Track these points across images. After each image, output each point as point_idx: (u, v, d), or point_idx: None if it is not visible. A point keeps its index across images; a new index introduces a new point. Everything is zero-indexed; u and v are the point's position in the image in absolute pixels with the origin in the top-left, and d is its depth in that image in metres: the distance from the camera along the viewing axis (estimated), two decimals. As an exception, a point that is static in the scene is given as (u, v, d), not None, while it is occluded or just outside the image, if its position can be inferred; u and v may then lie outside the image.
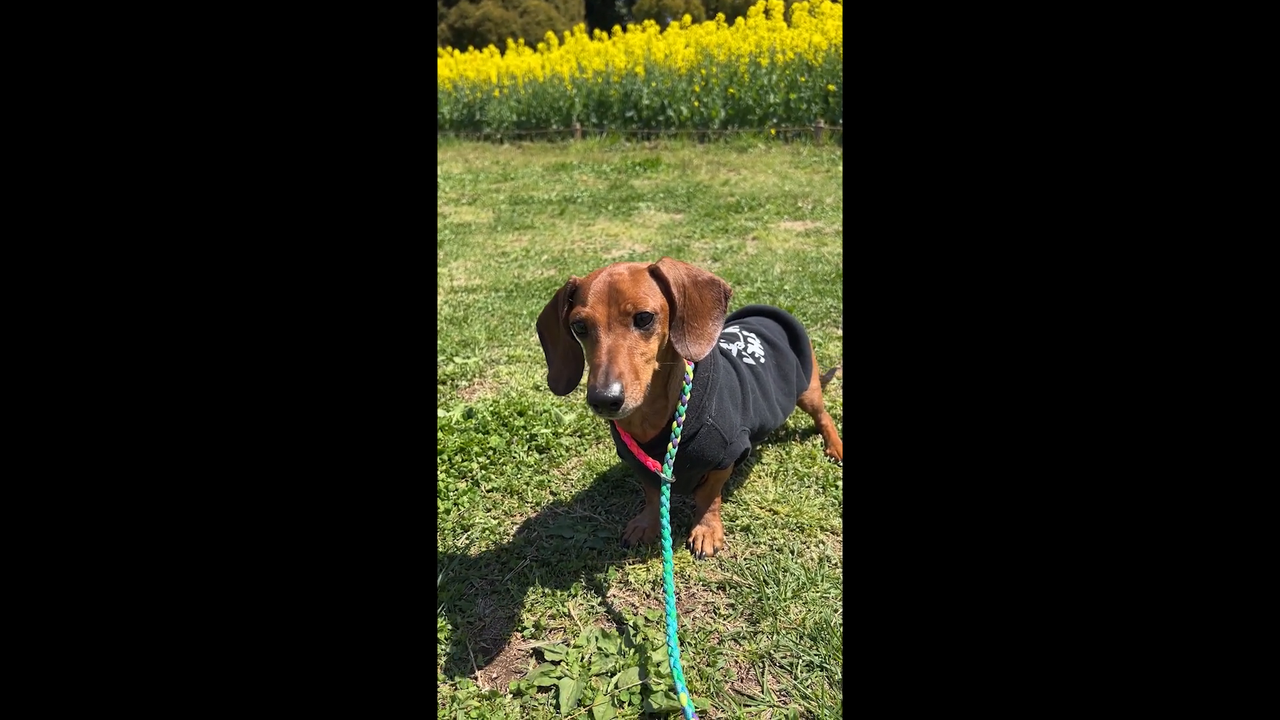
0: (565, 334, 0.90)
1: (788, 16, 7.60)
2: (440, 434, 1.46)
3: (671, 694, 0.83)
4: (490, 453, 1.41)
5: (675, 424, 0.94)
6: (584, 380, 0.88)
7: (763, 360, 1.18)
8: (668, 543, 0.89)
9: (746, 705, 0.82)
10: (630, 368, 0.79)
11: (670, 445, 0.94)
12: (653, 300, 0.83)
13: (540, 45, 9.74)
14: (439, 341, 2.06)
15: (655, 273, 0.86)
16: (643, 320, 0.82)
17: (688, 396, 0.95)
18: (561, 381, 0.92)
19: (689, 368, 0.96)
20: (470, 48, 11.48)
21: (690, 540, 1.10)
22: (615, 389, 0.76)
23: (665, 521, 0.91)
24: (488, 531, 1.18)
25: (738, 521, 1.16)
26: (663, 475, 0.94)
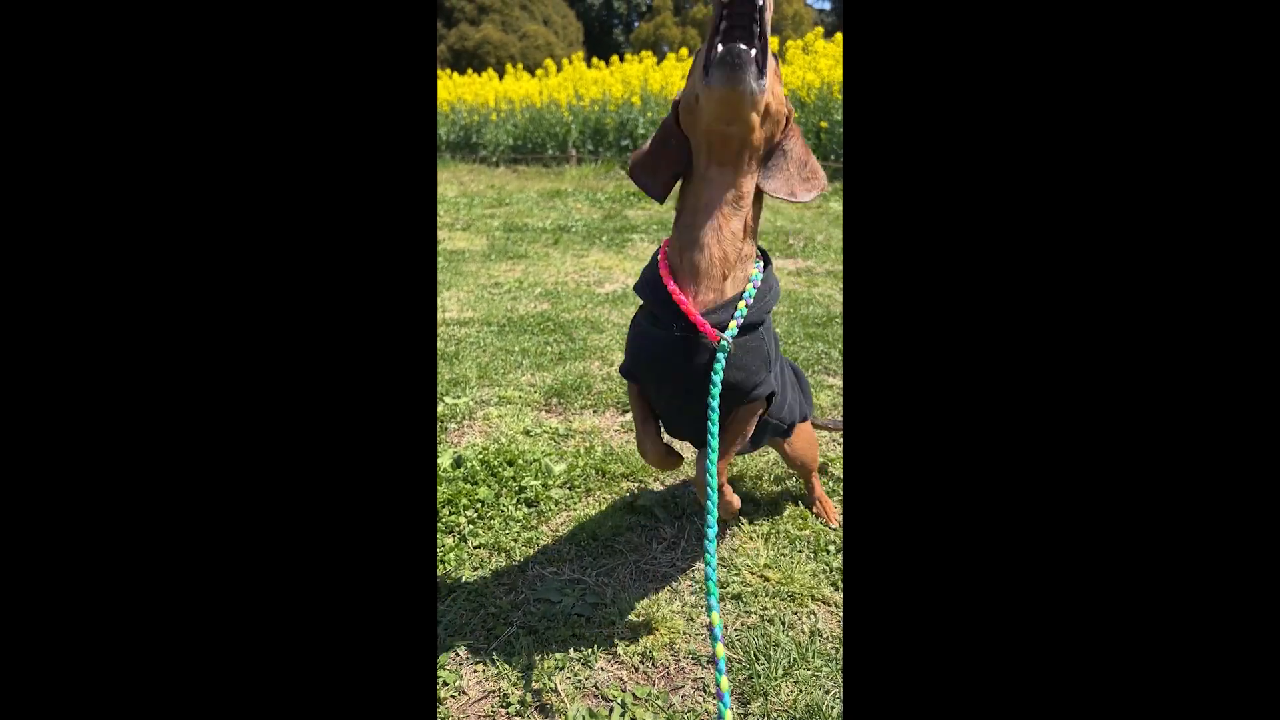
0: (667, 143, 0.82)
1: (782, 53, 7.78)
2: (428, 484, 1.44)
3: (659, 783, 0.81)
4: (479, 505, 1.38)
5: (750, 285, 0.81)
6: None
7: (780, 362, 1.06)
8: (713, 594, 0.70)
9: (736, 798, 0.80)
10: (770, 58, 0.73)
11: (741, 303, 0.80)
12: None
13: (539, 72, 9.88)
14: (429, 380, 2.05)
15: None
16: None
17: (761, 276, 0.83)
18: (659, 183, 0.83)
19: (757, 272, 0.83)
20: (469, 70, 11.62)
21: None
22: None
23: (713, 499, 0.75)
24: (474, 594, 1.15)
25: (728, 589, 1.15)
26: (723, 339, 0.79)
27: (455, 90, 10.17)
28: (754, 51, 0.71)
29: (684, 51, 8.75)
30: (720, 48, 0.71)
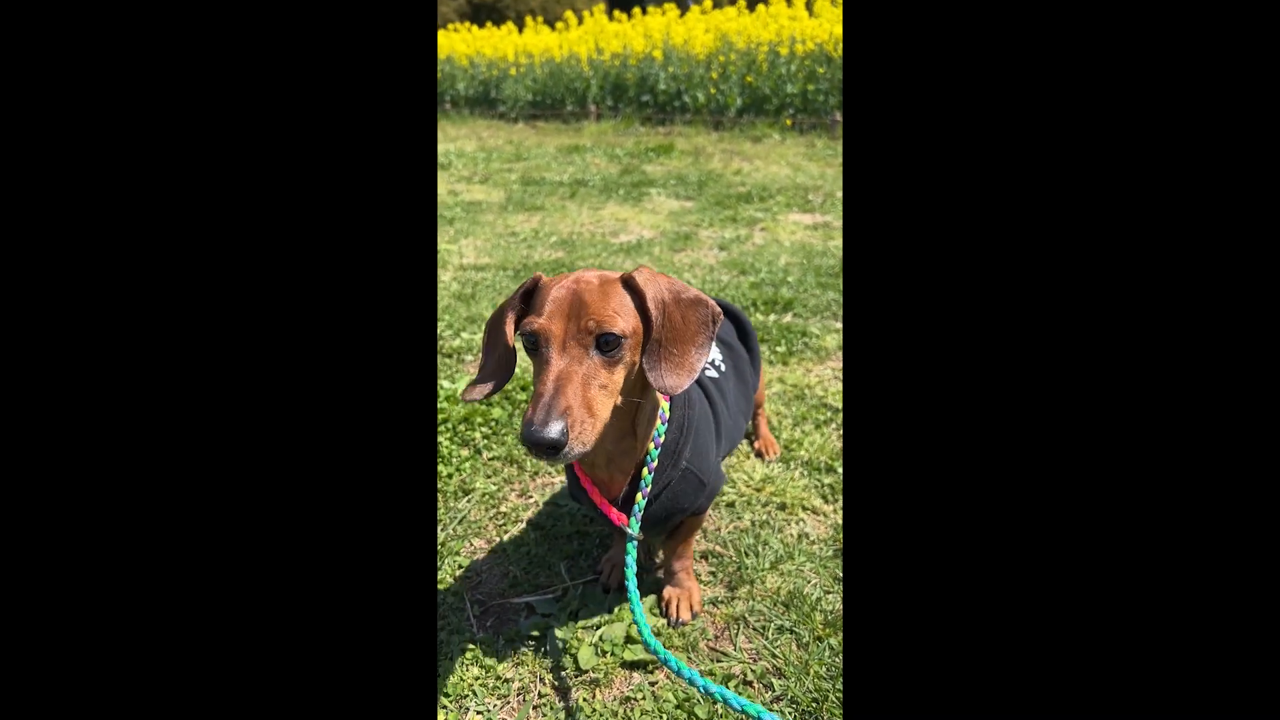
0: (505, 339, 0.75)
1: (809, 5, 7.53)
2: (445, 404, 1.53)
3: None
4: (492, 424, 1.47)
5: (646, 470, 0.81)
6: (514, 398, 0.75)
7: (722, 368, 1.04)
8: (638, 612, 0.77)
9: (719, 661, 0.89)
10: (582, 401, 0.64)
11: (639, 495, 0.81)
12: (623, 320, 0.68)
13: (559, 24, 9.68)
14: (447, 317, 2.12)
15: (629, 284, 0.72)
16: (607, 344, 0.67)
17: (662, 438, 0.82)
18: (481, 388, 0.75)
19: (664, 403, 0.83)
20: (489, 23, 11.42)
21: (664, 604, 0.97)
22: (556, 428, 0.61)
23: (634, 590, 0.79)
24: (487, 496, 1.25)
25: (723, 497, 1.23)
26: (629, 531, 0.81)
27: (474, 44, 10.03)
28: (559, 427, 0.62)
29: (708, 4, 8.49)
30: (522, 432, 0.63)
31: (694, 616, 0.95)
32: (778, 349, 1.86)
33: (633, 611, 0.77)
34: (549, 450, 0.61)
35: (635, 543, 0.82)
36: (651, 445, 0.81)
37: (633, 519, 0.81)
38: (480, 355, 0.80)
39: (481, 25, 11.38)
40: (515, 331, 0.72)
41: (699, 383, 0.96)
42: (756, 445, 1.38)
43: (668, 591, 0.97)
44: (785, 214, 3.70)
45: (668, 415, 0.82)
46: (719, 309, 0.74)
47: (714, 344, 1.05)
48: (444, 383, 1.65)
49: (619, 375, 0.69)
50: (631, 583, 0.80)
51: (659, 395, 0.81)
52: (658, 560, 1.07)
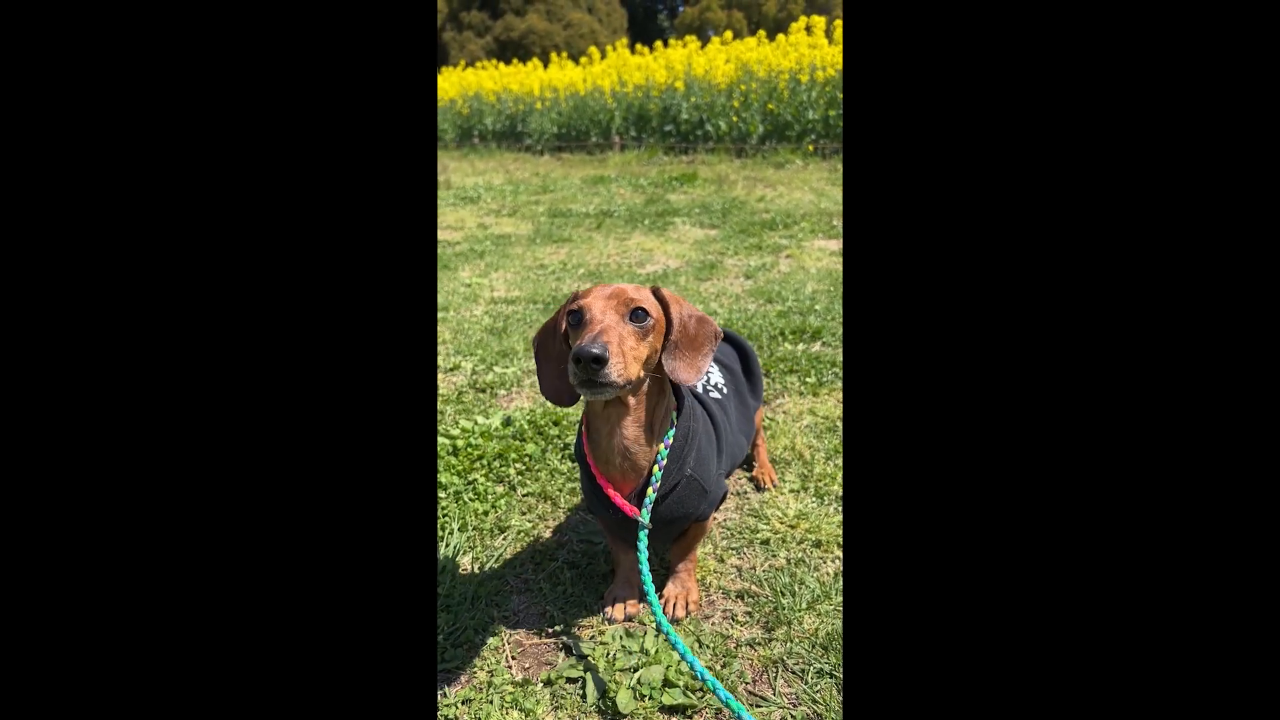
0: (562, 342, 0.89)
1: (829, 34, 7.63)
2: (480, 440, 1.56)
3: (689, 692, 0.89)
4: (526, 459, 1.50)
5: (657, 467, 0.91)
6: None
7: (725, 391, 1.15)
8: (653, 596, 0.86)
9: (758, 706, 0.88)
10: (619, 345, 0.78)
11: (650, 489, 0.91)
12: (650, 306, 0.84)
13: (583, 59, 9.97)
14: (480, 352, 2.18)
15: (655, 292, 0.89)
16: (639, 316, 0.82)
17: (670, 441, 0.92)
18: (564, 393, 0.88)
19: (673, 414, 0.94)
20: (515, 60, 11.82)
21: (662, 602, 1.05)
22: (600, 345, 0.75)
23: (646, 574, 0.88)
24: (523, 534, 1.26)
25: (758, 535, 1.22)
26: (640, 519, 0.90)
27: (501, 80, 10.38)
28: (609, 363, 0.75)
29: (728, 35, 8.66)
30: (574, 367, 0.75)
31: (688, 614, 1.04)
32: (808, 379, 1.86)
33: (649, 599, 0.86)
34: (595, 361, 0.74)
35: (646, 533, 0.91)
36: (661, 446, 0.92)
37: (644, 509, 0.91)
38: (538, 373, 0.93)
39: (508, 62, 11.77)
40: (567, 316, 0.86)
41: (702, 401, 1.06)
42: (755, 473, 1.38)
43: (668, 590, 1.06)
44: (810, 240, 3.71)
45: (675, 423, 0.94)
46: (719, 329, 0.91)
47: (718, 368, 1.20)
48: (478, 418, 1.68)
49: (644, 348, 0.83)
50: (645, 567, 0.89)
51: (671, 403, 0.94)
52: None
